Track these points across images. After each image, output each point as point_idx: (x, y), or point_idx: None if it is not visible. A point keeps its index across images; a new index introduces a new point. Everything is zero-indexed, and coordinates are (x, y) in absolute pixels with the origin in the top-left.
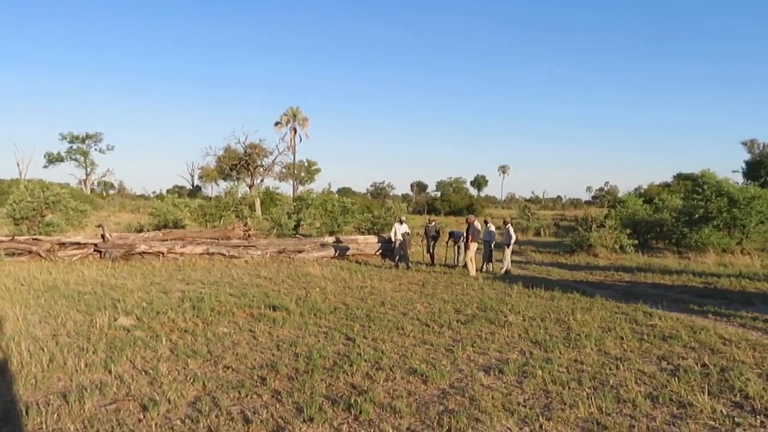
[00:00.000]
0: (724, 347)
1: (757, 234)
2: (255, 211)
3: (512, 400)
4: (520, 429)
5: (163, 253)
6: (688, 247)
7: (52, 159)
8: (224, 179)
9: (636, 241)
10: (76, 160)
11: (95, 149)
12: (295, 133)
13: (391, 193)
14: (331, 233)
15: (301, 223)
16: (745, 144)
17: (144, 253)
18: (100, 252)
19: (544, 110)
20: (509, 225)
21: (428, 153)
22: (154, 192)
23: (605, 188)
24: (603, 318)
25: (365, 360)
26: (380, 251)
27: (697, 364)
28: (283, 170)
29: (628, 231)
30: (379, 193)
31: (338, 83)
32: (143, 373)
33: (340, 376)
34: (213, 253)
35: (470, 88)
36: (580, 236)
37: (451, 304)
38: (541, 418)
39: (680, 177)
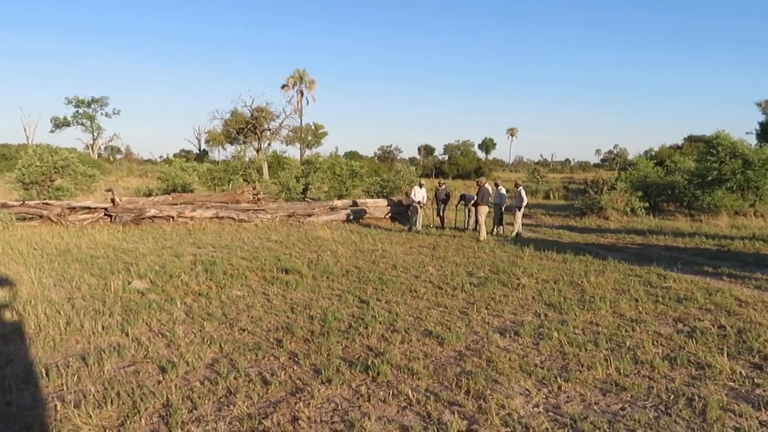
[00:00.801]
0: (740, 309)
1: None
2: (263, 175)
3: (529, 361)
4: (538, 390)
5: (173, 217)
6: (700, 209)
7: (59, 124)
8: (231, 143)
9: (647, 204)
10: (82, 124)
11: (101, 113)
12: (302, 95)
13: (399, 157)
14: (340, 197)
15: (310, 186)
16: (759, 105)
17: (154, 217)
18: (110, 216)
19: (553, 72)
20: (521, 188)
21: (436, 116)
22: (161, 156)
23: (614, 151)
24: (617, 280)
25: (380, 322)
26: (390, 214)
27: (713, 325)
28: (290, 134)
29: (640, 194)
30: (386, 156)
31: (345, 44)
32: (160, 335)
33: (356, 339)
34: (223, 217)
35: (479, 49)
36: (590, 199)
37: (463, 267)
38: (559, 379)
39: (692, 139)
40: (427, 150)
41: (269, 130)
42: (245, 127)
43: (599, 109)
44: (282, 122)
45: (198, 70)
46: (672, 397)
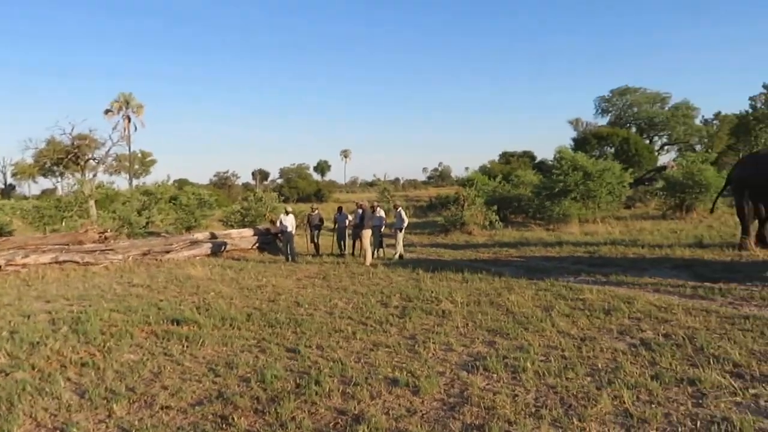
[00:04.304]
0: (666, 315)
1: (605, 203)
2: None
3: (526, 402)
4: None
5: (0, 266)
6: (549, 219)
7: None
8: (45, 176)
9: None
10: None
11: None
12: (129, 121)
13: (236, 182)
14: (188, 229)
15: (152, 220)
16: (571, 122)
17: None
18: None
19: (380, 93)
20: (400, 209)
21: (267, 140)
22: None
23: (439, 168)
24: (532, 297)
25: (329, 375)
26: (257, 245)
27: (658, 335)
28: (114, 163)
29: (495, 207)
30: (223, 183)
31: (168, 67)
32: None
33: (316, 401)
34: (64, 261)
35: (306, 72)
36: (452, 215)
37: (371, 297)
38: (574, 420)
39: (506, 155)
40: (262, 174)
41: (94, 159)
42: (65, 157)
43: (422, 127)
44: (108, 150)
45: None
46: (699, 423)
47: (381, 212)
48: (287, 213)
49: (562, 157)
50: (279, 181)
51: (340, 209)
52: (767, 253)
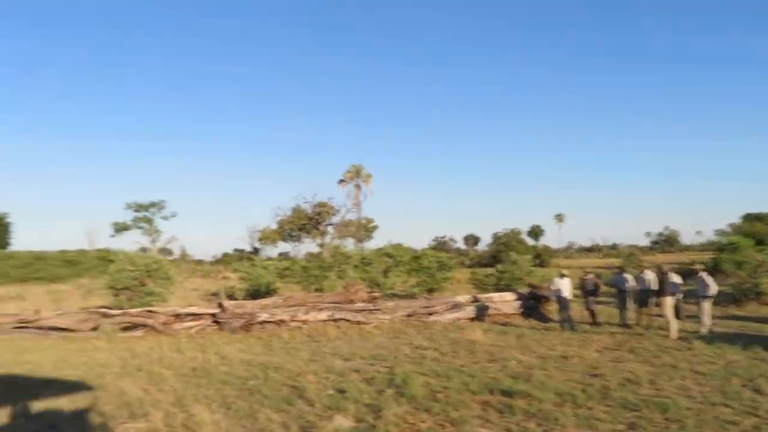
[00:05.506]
0: None
1: None
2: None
3: None
4: None
5: (284, 321)
6: None
7: (119, 228)
8: (284, 240)
9: None
10: (141, 228)
11: (159, 217)
12: (359, 189)
13: (453, 246)
14: (430, 291)
15: (394, 282)
16: None
17: (265, 322)
18: (218, 323)
19: (596, 156)
20: (701, 273)
21: (478, 205)
22: (213, 256)
23: (665, 232)
24: None
25: None
26: (521, 309)
27: None
28: (343, 228)
29: None
30: (441, 247)
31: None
32: None
33: None
34: (338, 319)
35: (522, 140)
36: (743, 282)
37: (718, 378)
38: None
39: (749, 217)
40: (473, 240)
41: (332, 224)
42: (307, 222)
43: (647, 191)
44: (344, 216)
45: (247, 172)
46: None
47: (675, 277)
48: (562, 276)
49: None
50: (488, 245)
51: (620, 269)
52: None
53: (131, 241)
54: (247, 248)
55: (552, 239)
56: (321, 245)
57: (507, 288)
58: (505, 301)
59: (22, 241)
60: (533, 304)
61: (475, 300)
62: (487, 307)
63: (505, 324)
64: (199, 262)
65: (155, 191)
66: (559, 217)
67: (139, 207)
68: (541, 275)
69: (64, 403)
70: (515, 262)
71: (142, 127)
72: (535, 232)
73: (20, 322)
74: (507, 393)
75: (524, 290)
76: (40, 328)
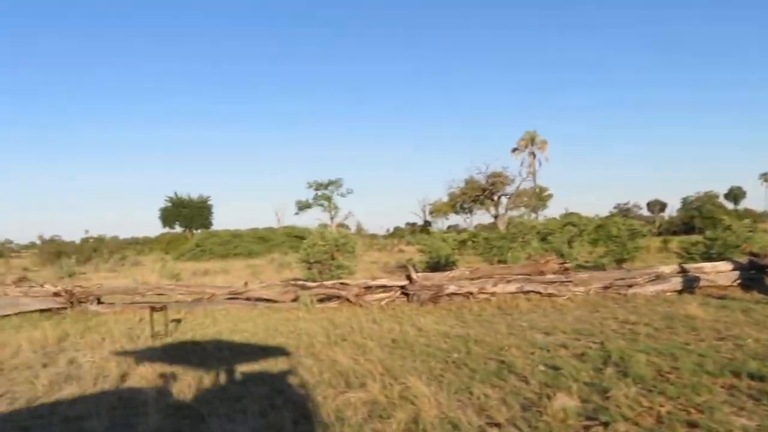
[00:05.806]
0: None
1: None
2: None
3: None
4: None
5: (472, 293)
6: None
7: (302, 206)
8: (456, 213)
9: None
10: (321, 205)
11: (337, 194)
12: (534, 157)
13: (638, 213)
14: (619, 261)
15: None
16: None
17: (452, 294)
18: (406, 295)
19: None
20: None
21: (666, 167)
22: (387, 230)
23: None
24: None
25: None
26: (739, 281)
27: None
28: (517, 198)
29: None
30: (625, 215)
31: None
32: None
33: None
34: (528, 291)
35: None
36: None
37: None
38: None
39: None
40: (660, 205)
41: (506, 195)
42: (481, 194)
43: None
44: (518, 186)
45: (420, 143)
46: None
47: None
48: None
49: None
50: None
51: None
52: None
53: (312, 218)
54: (419, 221)
55: (755, 202)
56: (495, 216)
57: (719, 257)
58: (720, 272)
59: (219, 220)
60: (755, 275)
61: (682, 270)
62: (697, 279)
63: (721, 297)
64: (374, 236)
65: (334, 169)
66: (766, 177)
67: (319, 185)
68: (761, 243)
69: (284, 369)
70: (729, 227)
71: (317, 110)
72: (735, 195)
73: (231, 294)
74: (757, 377)
75: (742, 259)
76: (248, 299)
